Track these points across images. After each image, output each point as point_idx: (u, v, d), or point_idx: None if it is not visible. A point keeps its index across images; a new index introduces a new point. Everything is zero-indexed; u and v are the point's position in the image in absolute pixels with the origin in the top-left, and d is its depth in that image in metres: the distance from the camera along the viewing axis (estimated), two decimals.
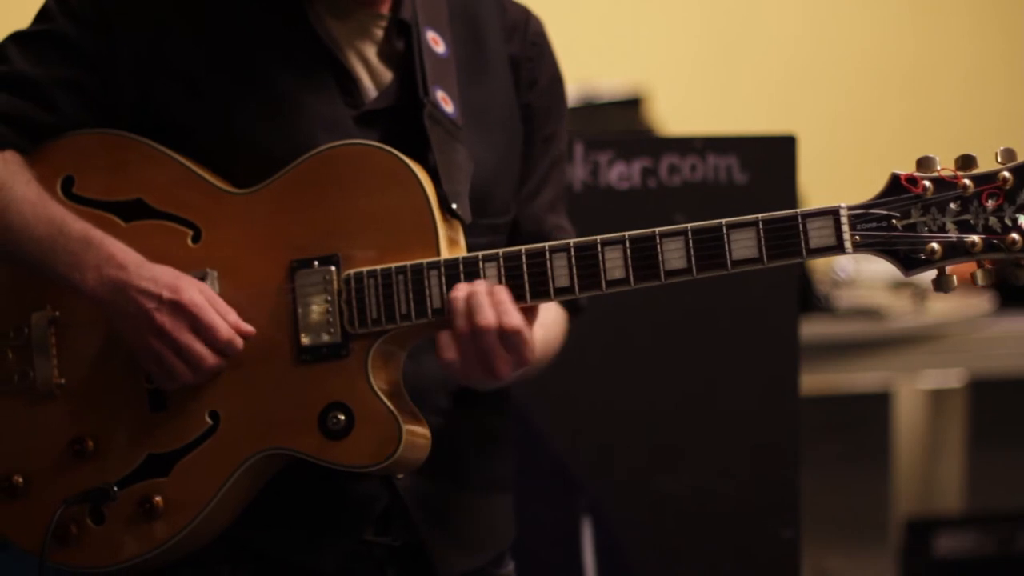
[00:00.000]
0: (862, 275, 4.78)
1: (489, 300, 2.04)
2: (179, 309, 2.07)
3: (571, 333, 2.38)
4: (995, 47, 5.68)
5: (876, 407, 4.89)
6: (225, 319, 2.09)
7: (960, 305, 4.56)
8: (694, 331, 3.19)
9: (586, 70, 4.95)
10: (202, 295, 2.09)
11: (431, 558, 2.22)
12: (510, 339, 2.05)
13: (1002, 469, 5.12)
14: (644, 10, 5.48)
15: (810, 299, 4.27)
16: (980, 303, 4.55)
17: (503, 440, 2.34)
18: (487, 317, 2.04)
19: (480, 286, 2.05)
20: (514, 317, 2.05)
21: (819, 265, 4.75)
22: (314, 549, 2.18)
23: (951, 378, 4.96)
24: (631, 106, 4.75)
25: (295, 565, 2.18)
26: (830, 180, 3.98)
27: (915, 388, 5.21)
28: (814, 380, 4.22)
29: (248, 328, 2.11)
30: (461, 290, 2.06)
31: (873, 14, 5.60)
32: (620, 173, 3.17)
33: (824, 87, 5.51)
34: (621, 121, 4.71)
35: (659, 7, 5.50)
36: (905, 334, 4.38)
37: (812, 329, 4.02)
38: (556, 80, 2.36)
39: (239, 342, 2.10)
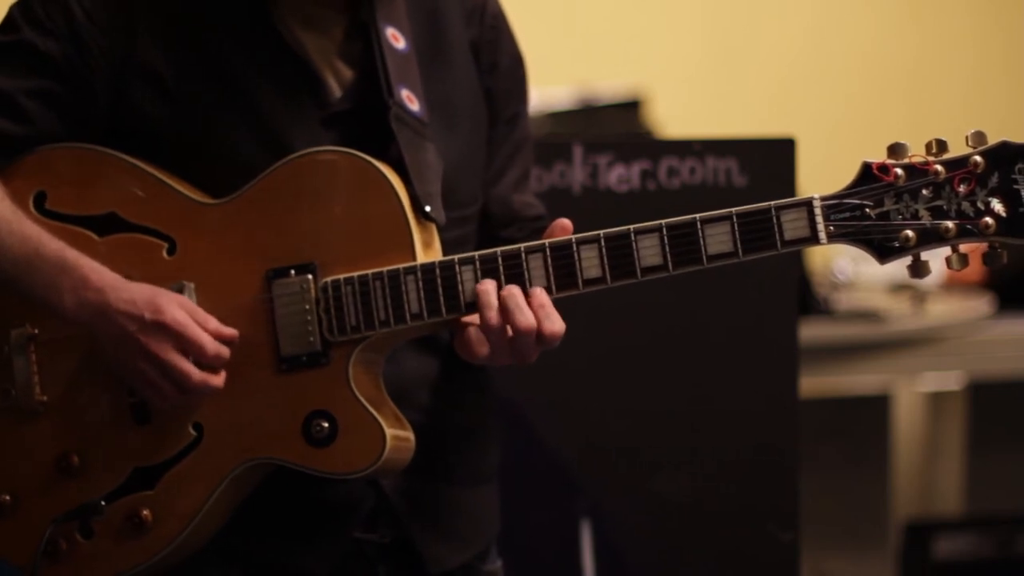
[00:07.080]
0: (861, 278, 4.79)
1: (525, 302, 2.03)
2: (163, 329, 2.05)
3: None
4: (995, 50, 5.68)
5: (875, 410, 4.89)
6: (206, 327, 2.07)
7: (959, 308, 4.55)
8: (693, 334, 3.19)
9: (585, 72, 4.96)
10: (183, 311, 2.07)
11: (420, 554, 2.22)
12: (548, 341, 2.05)
13: (1001, 472, 5.12)
14: (644, 12, 5.48)
15: (809, 302, 4.27)
16: (979, 306, 4.55)
17: (485, 434, 2.34)
18: (527, 320, 2.03)
19: (515, 288, 2.04)
20: (557, 323, 2.04)
21: (818, 268, 4.75)
22: (305, 552, 2.18)
23: (950, 381, 4.95)
24: (630, 108, 4.75)
25: (286, 568, 2.18)
26: (830, 183, 3.92)
27: (914, 391, 5.21)
28: (813, 383, 4.22)
29: (231, 332, 2.09)
30: (491, 291, 2.04)
31: (873, 17, 5.60)
32: (619, 175, 3.17)
33: (824, 90, 5.52)
34: (620, 123, 4.71)
35: (659, 9, 5.50)
36: (904, 337, 4.38)
37: (811, 332, 4.01)
38: (517, 61, 2.35)
39: (226, 353, 2.08)
